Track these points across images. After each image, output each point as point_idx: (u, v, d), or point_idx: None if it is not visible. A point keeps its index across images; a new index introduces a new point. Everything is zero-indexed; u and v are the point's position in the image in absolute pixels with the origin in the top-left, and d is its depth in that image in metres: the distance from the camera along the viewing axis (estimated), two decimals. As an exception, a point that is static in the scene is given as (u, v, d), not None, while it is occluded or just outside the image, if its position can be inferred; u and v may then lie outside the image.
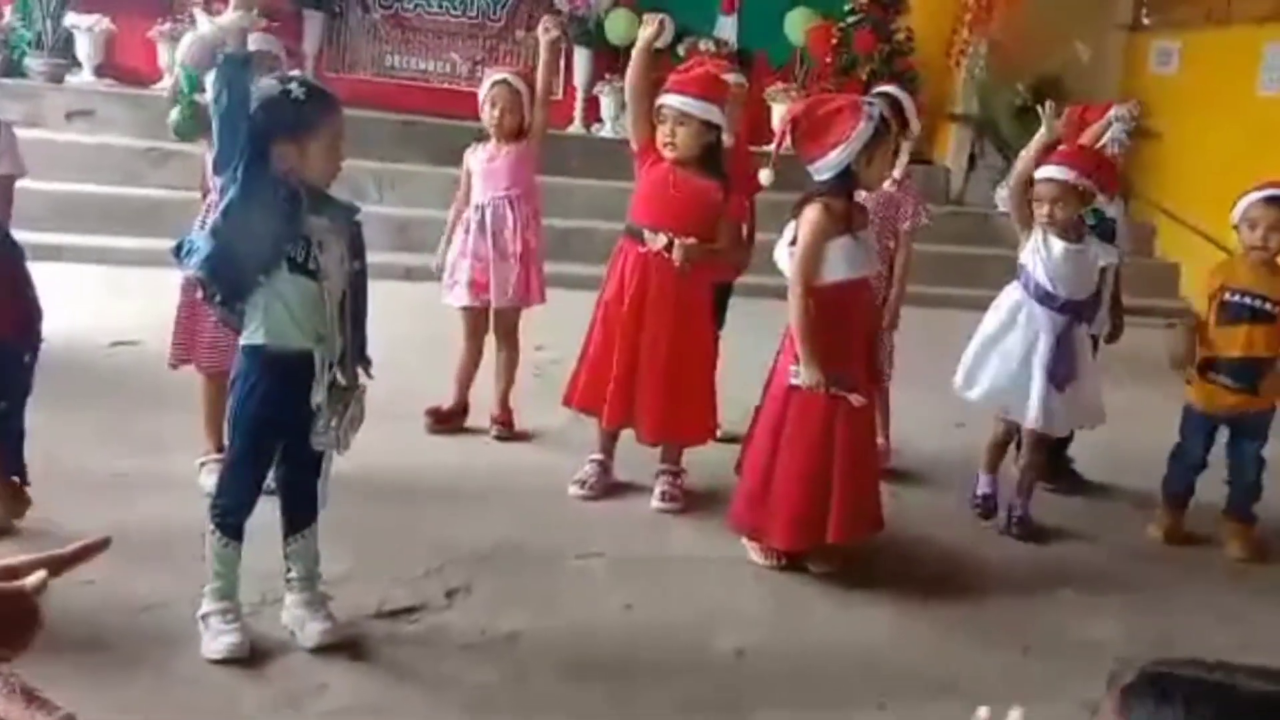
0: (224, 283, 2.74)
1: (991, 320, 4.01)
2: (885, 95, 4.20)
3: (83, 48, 8.88)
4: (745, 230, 4.26)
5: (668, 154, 3.80)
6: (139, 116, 7.89)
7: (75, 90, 8.36)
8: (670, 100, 3.78)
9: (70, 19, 8.86)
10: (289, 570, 2.91)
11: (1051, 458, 4.28)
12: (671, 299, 3.82)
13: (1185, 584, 3.82)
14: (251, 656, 2.76)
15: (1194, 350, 3.98)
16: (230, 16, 2.86)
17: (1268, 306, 3.89)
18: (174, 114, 3.74)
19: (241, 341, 2.78)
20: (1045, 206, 3.87)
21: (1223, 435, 4.08)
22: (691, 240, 3.75)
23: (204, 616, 2.79)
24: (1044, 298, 3.90)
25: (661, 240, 3.80)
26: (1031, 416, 3.91)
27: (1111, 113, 4.41)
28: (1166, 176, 7.43)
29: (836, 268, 3.41)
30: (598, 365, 3.96)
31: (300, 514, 2.89)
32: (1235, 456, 4.05)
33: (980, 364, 3.98)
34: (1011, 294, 4.00)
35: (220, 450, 3.61)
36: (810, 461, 3.44)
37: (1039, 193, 3.87)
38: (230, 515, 2.79)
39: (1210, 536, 4.10)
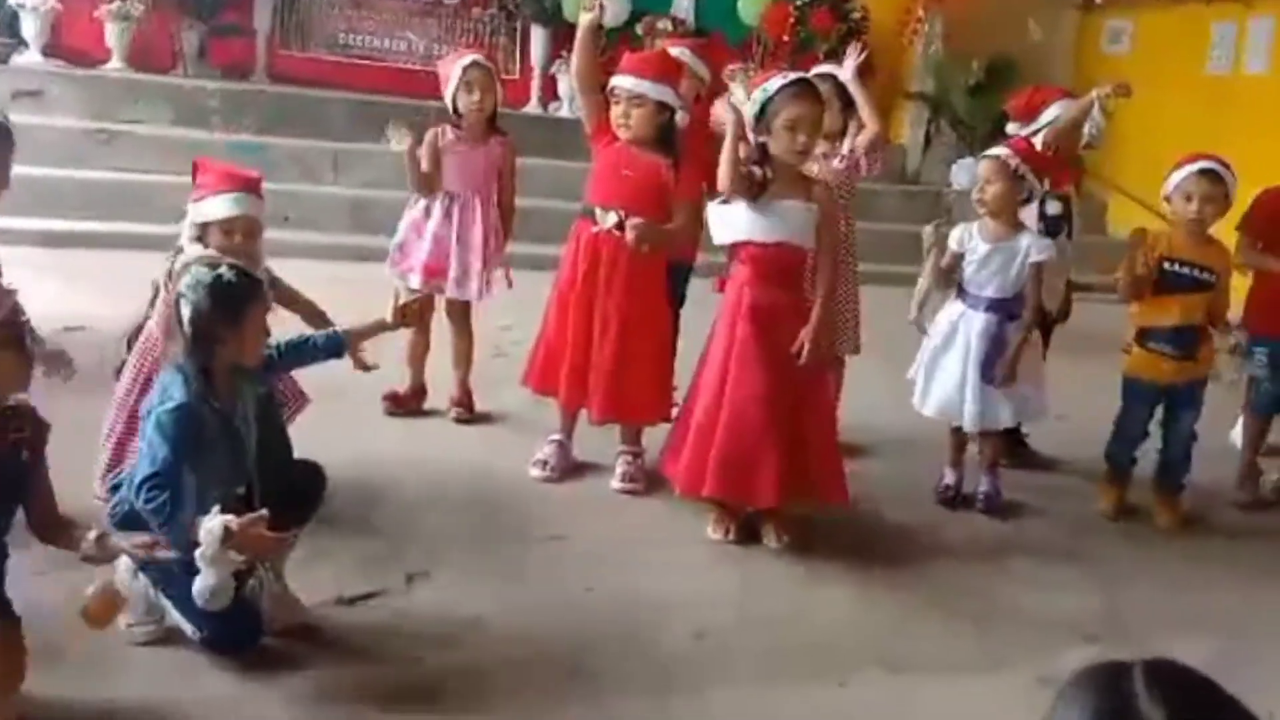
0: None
1: (936, 335, 4.08)
2: (827, 76, 4.21)
3: (29, 27, 8.70)
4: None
5: (622, 134, 3.80)
6: (87, 97, 7.77)
7: (21, 70, 8.20)
8: (624, 82, 3.77)
9: (15, -3, 8.67)
10: None
11: (1005, 436, 4.35)
12: (623, 278, 3.82)
13: (1136, 556, 3.91)
14: (210, 644, 2.74)
15: (1147, 272, 4.00)
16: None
17: (1205, 275, 3.99)
18: None
19: None
20: (982, 185, 3.94)
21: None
22: (640, 220, 3.74)
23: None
24: (973, 300, 3.98)
25: (612, 219, 3.81)
26: (969, 419, 4.01)
27: (1094, 93, 4.43)
28: (1118, 154, 7.51)
29: (738, 229, 3.52)
30: (554, 346, 3.97)
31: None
32: (1170, 428, 4.16)
33: (930, 379, 4.08)
34: (952, 308, 4.06)
35: None
36: (700, 413, 3.55)
37: (980, 171, 3.96)
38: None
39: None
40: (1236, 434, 4.75)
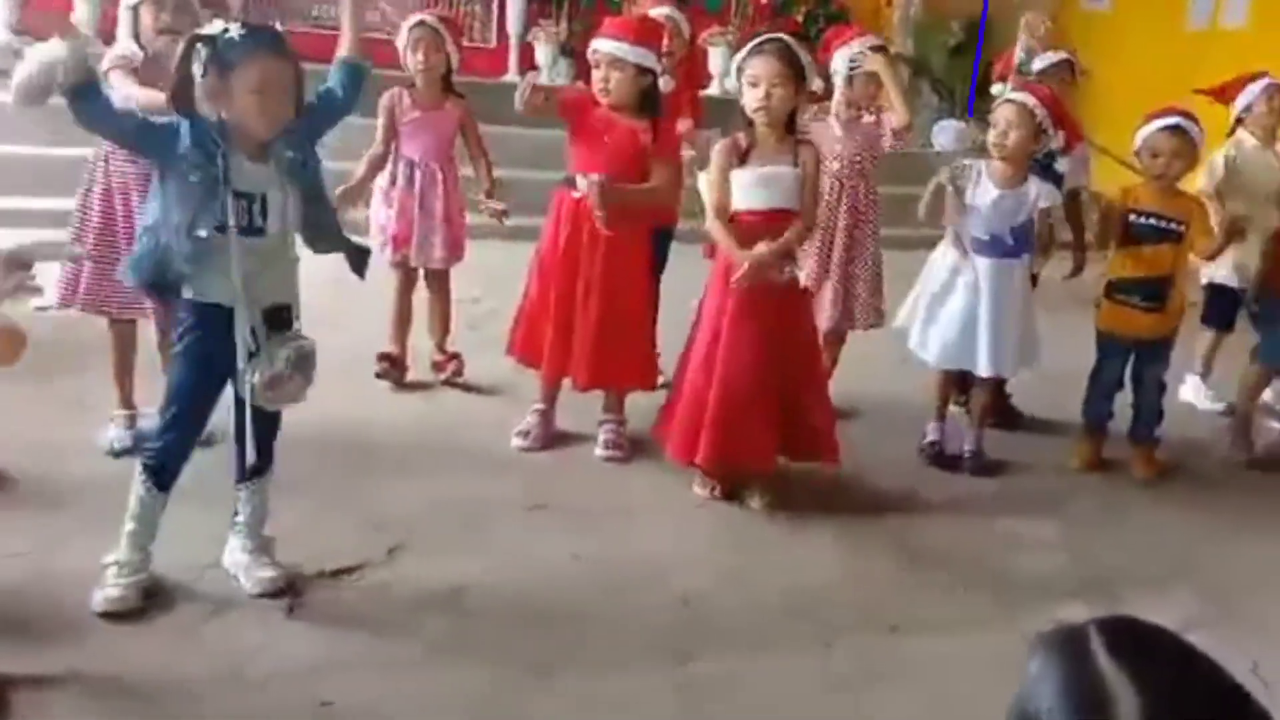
0: (159, 284, 2.73)
1: (932, 280, 4.07)
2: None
3: (-5, 4, 8.56)
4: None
5: (602, 99, 3.75)
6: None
7: (-12, 48, 8.06)
8: (603, 45, 3.73)
9: (-21, -27, 8.52)
10: (236, 514, 2.88)
11: (993, 396, 4.35)
12: (604, 245, 3.78)
13: (1117, 512, 3.92)
14: (188, 619, 2.72)
15: (1109, 229, 4.09)
16: (56, 45, 2.52)
17: (1172, 226, 4.03)
18: None
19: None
20: (1004, 129, 3.90)
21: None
22: (598, 176, 3.63)
23: (104, 565, 2.73)
24: (981, 247, 3.94)
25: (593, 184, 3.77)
26: (983, 365, 3.99)
27: (1022, 23, 4.50)
28: (1098, 111, 7.49)
29: (736, 198, 3.50)
30: (534, 316, 3.94)
31: (257, 460, 2.82)
32: (1139, 381, 4.20)
33: (929, 324, 4.06)
34: (946, 254, 4.04)
35: (127, 404, 3.63)
36: (692, 379, 3.56)
37: (997, 116, 3.93)
38: (160, 461, 2.72)
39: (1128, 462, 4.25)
40: (1188, 390, 4.96)
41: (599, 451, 3.94)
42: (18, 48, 2.96)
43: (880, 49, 4.24)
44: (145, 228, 2.74)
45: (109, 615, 2.67)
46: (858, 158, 4.27)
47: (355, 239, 3.00)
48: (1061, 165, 4.36)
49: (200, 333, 2.69)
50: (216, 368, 2.70)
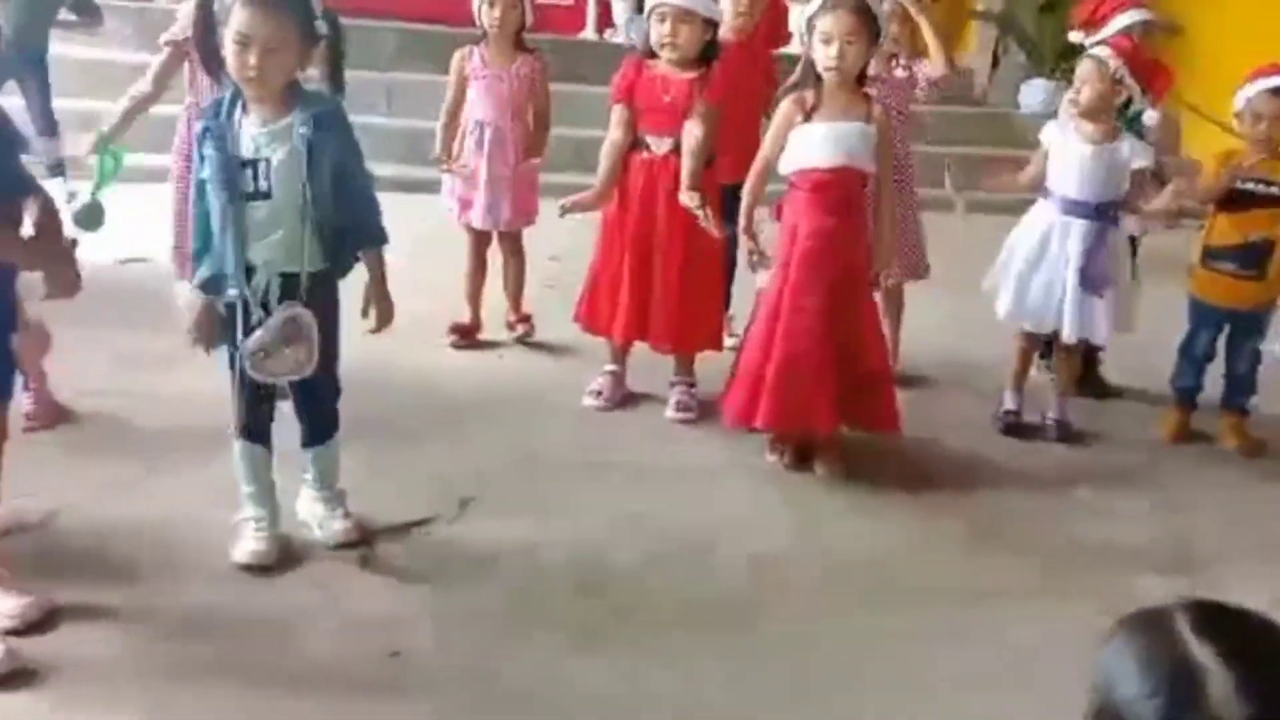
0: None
1: (1024, 243, 3.93)
2: None
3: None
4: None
5: (667, 54, 3.69)
6: (143, 28, 7.75)
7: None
8: None
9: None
10: (306, 471, 2.93)
11: (1083, 363, 4.25)
12: (682, 212, 3.72)
13: (1205, 485, 3.80)
14: (262, 568, 2.78)
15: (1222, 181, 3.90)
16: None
17: (1275, 190, 3.86)
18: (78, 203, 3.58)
19: None
20: (1079, 86, 3.80)
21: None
22: (694, 193, 3.60)
23: (238, 521, 2.82)
24: (1071, 206, 3.83)
25: (667, 145, 3.72)
26: (1069, 328, 3.87)
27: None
28: (1189, 72, 7.22)
29: (796, 156, 3.44)
30: (603, 283, 3.91)
31: (313, 428, 2.88)
32: (1233, 351, 4.06)
33: (1015, 286, 3.92)
34: (1041, 215, 3.92)
35: None
36: (753, 344, 3.51)
37: (1079, 72, 3.83)
38: (242, 419, 2.78)
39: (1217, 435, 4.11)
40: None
41: (670, 413, 3.92)
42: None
43: None
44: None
45: (249, 568, 2.76)
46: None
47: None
48: (1150, 117, 4.16)
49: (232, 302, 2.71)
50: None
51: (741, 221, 3.54)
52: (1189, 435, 4.11)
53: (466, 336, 4.48)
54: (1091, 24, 4.37)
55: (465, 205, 4.35)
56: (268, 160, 2.62)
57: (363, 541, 2.91)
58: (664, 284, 3.81)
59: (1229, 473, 3.92)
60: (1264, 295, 3.97)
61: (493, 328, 4.54)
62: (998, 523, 3.41)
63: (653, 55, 3.75)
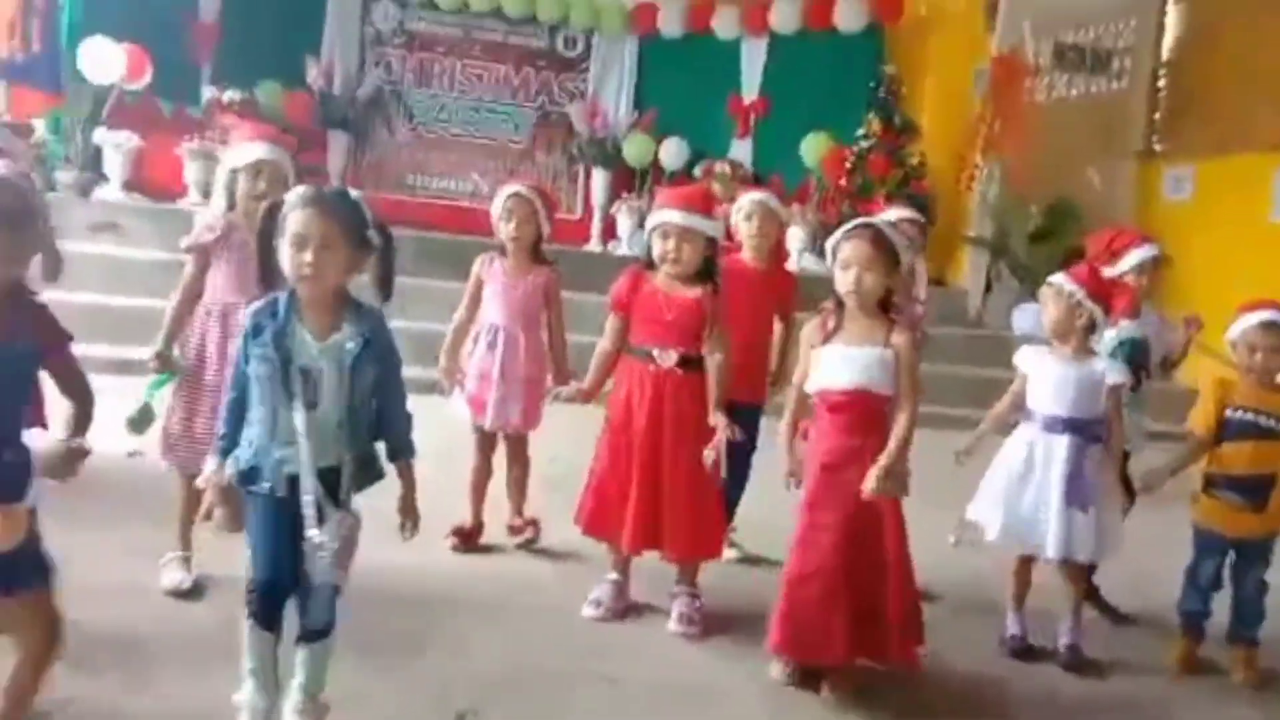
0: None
1: (1007, 464, 3.95)
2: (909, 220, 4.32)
3: (112, 163, 9.08)
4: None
5: (668, 269, 3.81)
6: (163, 230, 8.00)
7: (102, 204, 8.51)
8: (674, 217, 3.78)
9: (100, 135, 9.09)
10: (295, 675, 2.83)
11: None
12: (689, 417, 3.78)
13: (1219, 717, 3.69)
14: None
15: (1166, 473, 3.96)
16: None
17: (1272, 423, 3.90)
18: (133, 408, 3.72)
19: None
20: (1043, 311, 3.95)
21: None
22: (720, 414, 3.72)
23: (235, 704, 2.75)
24: (1051, 423, 3.88)
25: (673, 357, 3.79)
26: (1053, 545, 3.84)
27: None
28: (1180, 302, 7.44)
29: (816, 376, 3.51)
30: (608, 490, 3.90)
31: (310, 621, 2.79)
32: (1239, 580, 4.01)
33: (997, 504, 3.93)
34: (1023, 435, 3.97)
35: (187, 546, 3.74)
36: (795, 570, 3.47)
37: (1039, 296, 3.99)
38: (255, 601, 2.74)
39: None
40: None
41: (673, 626, 3.85)
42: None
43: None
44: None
45: None
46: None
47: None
48: (1124, 331, 4.24)
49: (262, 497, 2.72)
50: (285, 518, 2.71)
51: (782, 442, 3.56)
52: (1200, 665, 4.02)
53: (467, 541, 4.45)
54: (1108, 258, 4.52)
55: (479, 406, 4.39)
56: (321, 369, 2.68)
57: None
58: (672, 493, 3.80)
59: (1241, 703, 3.82)
60: (1268, 526, 3.96)
61: (493, 531, 4.51)
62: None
63: (652, 266, 3.87)
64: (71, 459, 2.53)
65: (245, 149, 3.76)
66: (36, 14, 8.57)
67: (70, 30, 9.35)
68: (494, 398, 4.38)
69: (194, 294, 3.75)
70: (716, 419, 3.70)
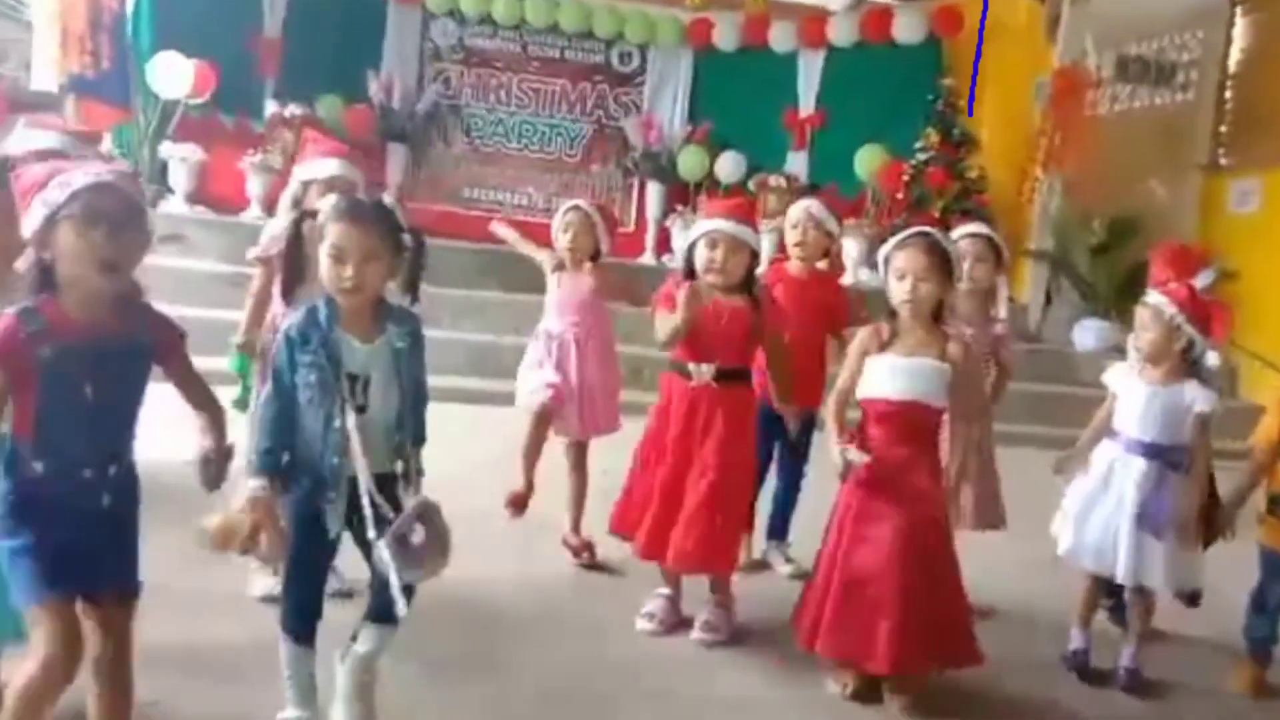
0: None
1: (1092, 477, 3.89)
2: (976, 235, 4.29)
3: (177, 177, 9.27)
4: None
5: (712, 279, 3.78)
6: (226, 242, 8.16)
7: (167, 217, 8.68)
8: (724, 226, 3.76)
9: (166, 149, 9.28)
10: (341, 673, 2.82)
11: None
12: (720, 432, 3.76)
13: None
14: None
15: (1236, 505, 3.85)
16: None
17: None
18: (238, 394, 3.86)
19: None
20: (1138, 332, 3.82)
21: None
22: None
23: None
24: (1132, 445, 3.80)
25: (708, 371, 3.77)
26: (1123, 571, 3.76)
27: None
28: (1246, 316, 7.29)
29: (868, 385, 3.48)
30: (634, 495, 3.93)
31: (388, 604, 2.74)
32: None
33: (1080, 523, 3.86)
34: (1104, 454, 3.89)
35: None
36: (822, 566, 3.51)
37: (1136, 319, 3.84)
38: (291, 618, 2.76)
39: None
40: None
41: (695, 634, 3.84)
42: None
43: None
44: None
45: None
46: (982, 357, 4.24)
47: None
48: (1211, 359, 4.12)
49: (304, 489, 2.73)
50: (323, 531, 2.72)
51: (832, 442, 3.51)
52: (1269, 690, 3.92)
53: (521, 506, 4.43)
54: (1184, 272, 4.41)
55: (556, 393, 4.37)
56: (369, 376, 2.70)
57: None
58: (696, 502, 3.75)
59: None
60: None
61: (548, 545, 4.51)
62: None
63: (692, 276, 3.84)
64: (222, 462, 2.57)
65: (320, 164, 3.82)
66: (104, 30, 8.76)
67: (144, 46, 9.55)
68: (572, 409, 4.40)
69: (263, 302, 3.82)
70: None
